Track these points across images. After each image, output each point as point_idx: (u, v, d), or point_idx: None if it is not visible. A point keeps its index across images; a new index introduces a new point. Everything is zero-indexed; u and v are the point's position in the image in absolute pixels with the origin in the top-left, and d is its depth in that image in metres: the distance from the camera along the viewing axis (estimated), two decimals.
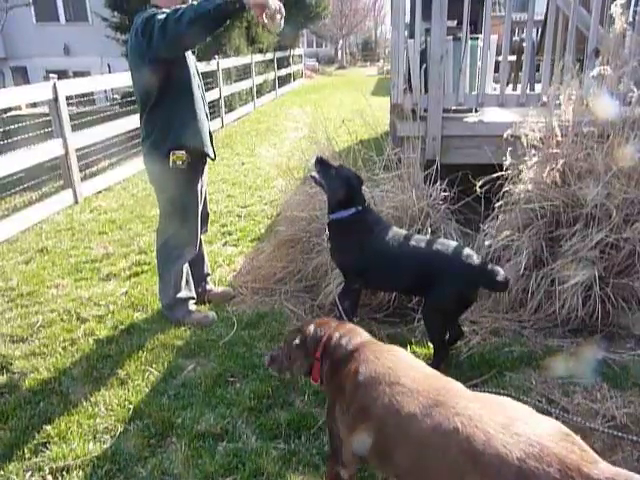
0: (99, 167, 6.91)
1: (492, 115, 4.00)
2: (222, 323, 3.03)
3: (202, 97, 2.87)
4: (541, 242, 2.91)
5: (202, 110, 2.84)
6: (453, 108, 3.85)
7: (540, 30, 5.53)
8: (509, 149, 2.99)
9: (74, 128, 5.67)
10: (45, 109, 6.05)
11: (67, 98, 5.64)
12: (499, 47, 4.32)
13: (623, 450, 1.97)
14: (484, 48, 3.63)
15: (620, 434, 1.92)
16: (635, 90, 2.80)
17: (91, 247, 4.37)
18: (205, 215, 3.16)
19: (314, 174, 2.69)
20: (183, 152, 2.72)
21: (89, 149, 6.28)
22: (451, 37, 3.79)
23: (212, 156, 2.93)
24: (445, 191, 3.29)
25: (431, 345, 2.57)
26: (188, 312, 3.04)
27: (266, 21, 2.43)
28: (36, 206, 5.22)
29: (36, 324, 3.10)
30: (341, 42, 40.10)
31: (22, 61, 16.77)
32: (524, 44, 4.74)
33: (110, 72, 13.14)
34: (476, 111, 4.03)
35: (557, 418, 1.52)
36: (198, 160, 2.88)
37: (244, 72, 12.69)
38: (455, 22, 3.95)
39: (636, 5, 4.69)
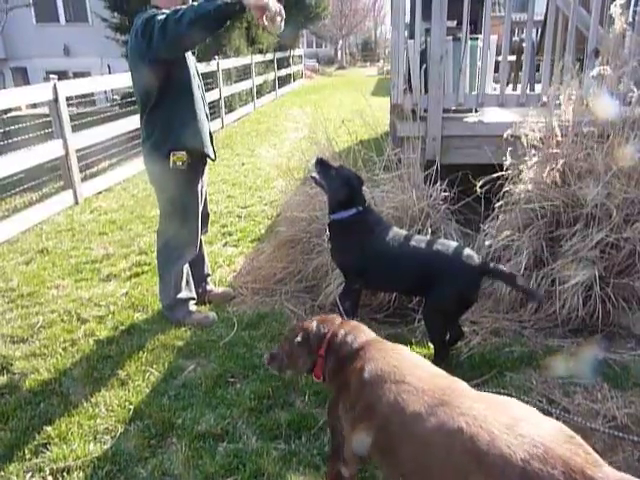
0: (99, 168, 6.91)
1: (492, 115, 4.00)
2: (222, 324, 3.03)
3: (202, 98, 2.87)
4: (541, 242, 2.91)
5: (202, 110, 2.84)
6: (453, 108, 3.85)
7: (540, 30, 5.54)
8: (509, 149, 2.99)
9: (74, 129, 5.68)
10: (45, 110, 6.05)
11: (67, 99, 5.64)
12: (499, 47, 4.32)
13: (624, 450, 1.96)
14: (484, 48, 3.63)
15: (621, 434, 1.92)
16: (635, 90, 2.80)
17: (91, 248, 4.37)
18: (205, 216, 3.16)
19: (314, 175, 2.69)
20: (183, 153, 2.72)
21: (89, 150, 6.28)
22: (451, 37, 3.79)
23: (212, 157, 2.94)
24: (445, 191, 3.29)
25: (431, 345, 2.57)
26: (188, 313, 3.04)
27: (266, 23, 2.44)
28: (36, 207, 5.22)
29: (36, 325, 3.10)
30: (341, 42, 40.12)
31: (22, 62, 16.78)
32: (524, 44, 4.74)
33: (110, 73, 13.15)
34: (476, 111, 4.03)
35: (558, 418, 1.52)
36: (198, 161, 2.88)
37: (244, 73, 12.70)
38: (455, 22, 3.94)
39: (636, 5, 4.69)
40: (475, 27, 4.06)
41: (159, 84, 2.63)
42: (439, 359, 2.43)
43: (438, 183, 3.33)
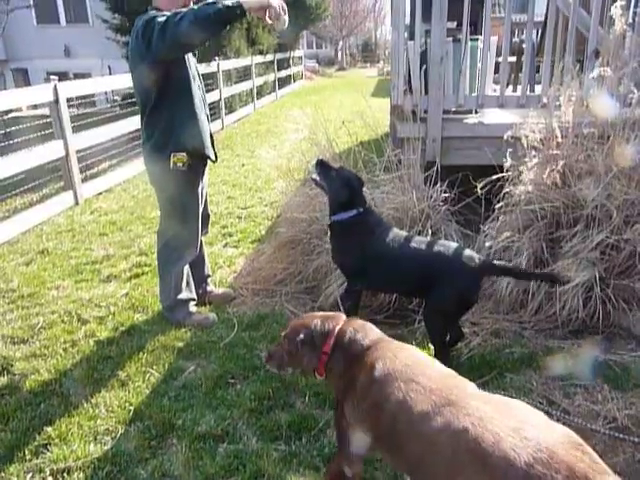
0: (100, 168, 6.92)
1: (492, 116, 4.00)
2: (223, 324, 3.03)
3: (203, 99, 2.87)
4: (541, 243, 2.91)
5: (202, 111, 2.84)
6: (453, 109, 3.85)
7: (540, 31, 5.54)
8: (509, 150, 2.99)
9: (75, 130, 5.68)
10: (46, 111, 6.06)
11: (68, 100, 5.64)
12: (499, 48, 4.32)
13: (624, 452, 1.96)
14: (484, 49, 3.64)
15: (621, 436, 1.92)
16: (635, 91, 2.80)
17: (92, 248, 4.37)
18: (205, 216, 3.16)
19: (315, 176, 2.70)
20: (184, 154, 2.72)
21: (90, 151, 6.28)
22: (451, 38, 3.79)
23: (213, 158, 2.94)
24: (445, 192, 3.30)
25: (432, 346, 2.57)
26: (189, 313, 3.04)
27: (271, 22, 2.45)
28: (37, 207, 5.22)
29: (37, 325, 3.10)
30: (341, 43, 40.13)
31: (23, 63, 16.80)
32: (524, 45, 4.74)
33: (111, 74, 13.15)
34: (476, 112, 4.03)
35: (558, 419, 1.52)
36: (199, 162, 2.89)
37: (244, 73, 12.71)
38: (455, 23, 3.95)
39: (636, 6, 4.70)
40: (475, 28, 4.06)
41: (159, 85, 2.64)
42: (439, 360, 2.42)
43: (438, 184, 3.34)
